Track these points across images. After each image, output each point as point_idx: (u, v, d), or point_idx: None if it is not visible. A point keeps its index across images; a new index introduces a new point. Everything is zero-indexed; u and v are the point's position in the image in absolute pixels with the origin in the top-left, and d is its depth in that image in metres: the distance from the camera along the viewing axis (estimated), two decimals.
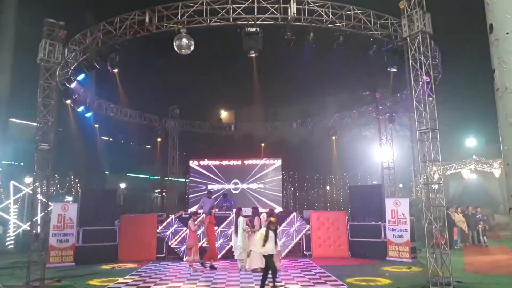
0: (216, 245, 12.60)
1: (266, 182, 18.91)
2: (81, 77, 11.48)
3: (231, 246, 11.85)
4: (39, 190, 9.96)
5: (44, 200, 9.83)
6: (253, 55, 10.61)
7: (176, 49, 10.10)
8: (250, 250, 8.79)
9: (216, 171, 19.21)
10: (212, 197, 15.00)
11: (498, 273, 9.76)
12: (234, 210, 13.15)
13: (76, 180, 21.36)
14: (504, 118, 2.20)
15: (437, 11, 9.57)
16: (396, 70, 11.31)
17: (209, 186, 18.59)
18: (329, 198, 28.02)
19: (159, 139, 19.94)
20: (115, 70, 11.37)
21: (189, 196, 19.42)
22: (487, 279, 9.15)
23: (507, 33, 2.22)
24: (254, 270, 10.05)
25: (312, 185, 27.91)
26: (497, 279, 9.02)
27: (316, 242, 13.00)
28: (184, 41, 9.99)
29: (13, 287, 8.61)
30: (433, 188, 8.80)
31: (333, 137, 19.54)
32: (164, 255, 12.81)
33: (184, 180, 21.56)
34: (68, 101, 13.58)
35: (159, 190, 29.76)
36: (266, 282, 7.82)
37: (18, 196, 16.16)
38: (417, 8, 9.03)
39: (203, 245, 12.20)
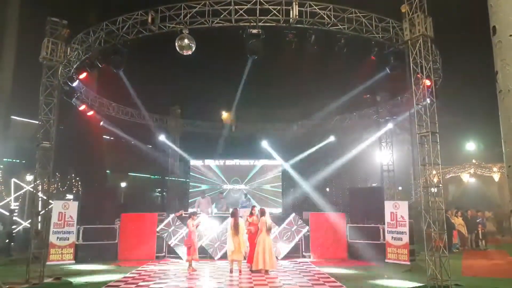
0: (215, 245, 12.66)
1: (266, 183, 18.93)
2: (83, 76, 11.51)
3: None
4: (40, 188, 10.01)
5: (44, 198, 9.89)
6: (256, 57, 10.69)
7: (178, 49, 10.15)
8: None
9: (217, 171, 19.25)
10: (206, 195, 15.04)
11: (496, 277, 9.78)
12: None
13: (77, 178, 21.43)
14: (506, 120, 2.16)
15: (438, 15, 9.60)
16: (396, 73, 11.33)
17: (210, 187, 18.63)
18: (329, 199, 27.95)
19: (160, 139, 19.95)
20: (119, 68, 11.38)
21: (189, 196, 19.43)
22: (485, 282, 9.18)
23: (511, 35, 2.19)
24: (254, 271, 10.07)
25: (312, 186, 27.81)
26: (495, 283, 9.04)
27: (315, 243, 13.03)
28: (186, 41, 10.03)
29: (13, 284, 8.64)
30: (433, 191, 8.83)
31: (333, 139, 19.56)
32: (163, 254, 12.84)
33: (184, 180, 21.59)
34: (70, 100, 13.62)
35: (159, 189, 29.81)
36: (264, 280, 7.83)
37: (19, 193, 16.21)
38: (419, 12, 9.04)
39: (203, 245, 12.29)
